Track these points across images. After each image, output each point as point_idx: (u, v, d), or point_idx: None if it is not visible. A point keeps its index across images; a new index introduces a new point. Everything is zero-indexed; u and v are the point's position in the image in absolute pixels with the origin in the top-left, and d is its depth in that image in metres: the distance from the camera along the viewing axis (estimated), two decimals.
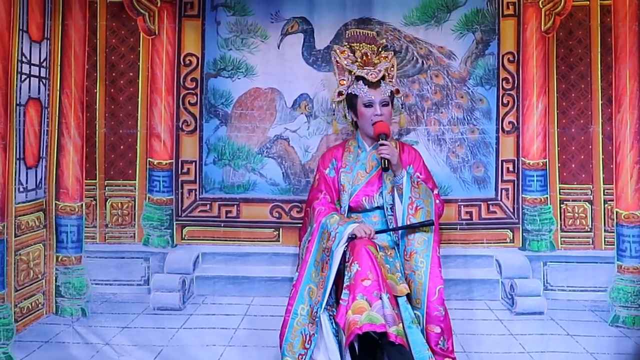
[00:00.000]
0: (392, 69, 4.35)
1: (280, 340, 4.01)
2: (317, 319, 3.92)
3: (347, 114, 4.37)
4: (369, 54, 4.30)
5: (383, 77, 4.28)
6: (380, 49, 4.35)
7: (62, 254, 4.61)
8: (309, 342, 3.94)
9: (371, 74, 4.24)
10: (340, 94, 4.32)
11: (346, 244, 3.95)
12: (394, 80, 4.36)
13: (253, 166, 4.71)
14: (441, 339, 4.01)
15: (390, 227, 4.17)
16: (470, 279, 4.62)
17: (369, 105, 4.24)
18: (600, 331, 4.54)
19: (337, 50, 4.34)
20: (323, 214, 4.11)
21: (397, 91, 4.36)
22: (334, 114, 4.45)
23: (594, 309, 4.56)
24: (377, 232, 4.07)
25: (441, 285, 4.03)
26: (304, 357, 3.95)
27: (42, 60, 4.55)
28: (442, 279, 4.04)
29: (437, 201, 4.24)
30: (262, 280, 4.63)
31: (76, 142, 4.61)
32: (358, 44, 4.35)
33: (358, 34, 4.40)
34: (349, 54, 4.31)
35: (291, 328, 3.98)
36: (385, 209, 4.20)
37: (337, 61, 4.34)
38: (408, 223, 4.09)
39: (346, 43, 4.36)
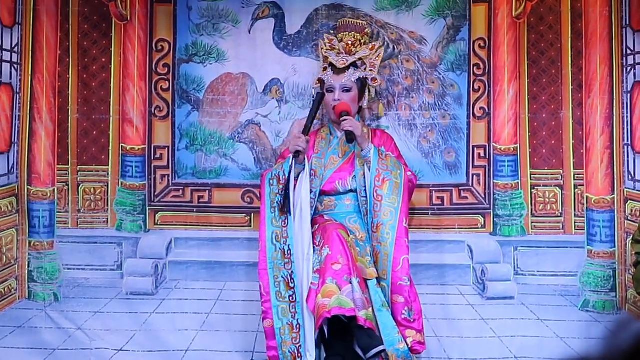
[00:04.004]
0: (375, 58, 4.35)
1: (264, 289, 4.00)
2: (291, 258, 3.96)
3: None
4: (351, 42, 4.31)
5: (355, 65, 4.28)
6: (367, 39, 4.37)
7: (35, 239, 4.61)
8: (292, 282, 3.96)
9: (340, 61, 4.26)
10: (318, 80, 4.36)
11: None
12: (375, 69, 4.34)
13: (225, 151, 4.70)
14: (405, 308, 4.00)
15: (362, 210, 4.17)
16: (442, 264, 4.62)
17: (330, 90, 4.26)
18: (570, 316, 4.54)
19: (326, 39, 4.37)
20: (266, 172, 4.17)
21: (374, 80, 4.35)
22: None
23: (564, 293, 4.56)
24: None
25: (406, 255, 4.03)
26: (293, 296, 3.96)
27: (13, 46, 4.55)
28: (408, 249, 4.04)
29: (409, 173, 4.21)
30: (233, 265, 4.63)
31: (48, 128, 4.61)
32: (347, 33, 4.36)
33: (349, 23, 4.42)
34: (335, 42, 4.33)
35: (272, 277, 3.99)
36: (358, 192, 4.21)
37: (321, 48, 4.38)
38: (375, 195, 4.08)
39: (332, 31, 4.40)
